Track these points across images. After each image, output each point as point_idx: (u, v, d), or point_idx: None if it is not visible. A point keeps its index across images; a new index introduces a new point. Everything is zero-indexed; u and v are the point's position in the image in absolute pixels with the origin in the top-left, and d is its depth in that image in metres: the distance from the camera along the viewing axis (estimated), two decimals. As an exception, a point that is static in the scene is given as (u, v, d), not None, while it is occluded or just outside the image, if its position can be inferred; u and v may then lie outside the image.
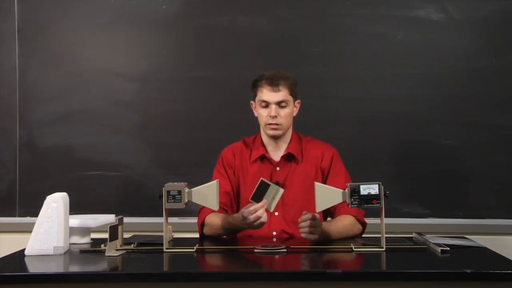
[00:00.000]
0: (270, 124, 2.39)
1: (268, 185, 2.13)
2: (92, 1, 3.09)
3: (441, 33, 3.02)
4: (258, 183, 2.14)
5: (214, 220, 2.35)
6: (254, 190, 2.15)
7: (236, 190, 2.46)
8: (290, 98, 2.39)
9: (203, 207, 2.37)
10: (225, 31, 3.06)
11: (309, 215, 2.16)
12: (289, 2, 3.06)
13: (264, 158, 2.46)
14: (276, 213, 2.40)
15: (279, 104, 2.37)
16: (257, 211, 2.13)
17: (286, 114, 2.39)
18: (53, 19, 3.11)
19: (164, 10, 3.08)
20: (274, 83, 2.36)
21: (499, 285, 1.79)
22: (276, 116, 2.37)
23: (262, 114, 2.41)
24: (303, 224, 2.16)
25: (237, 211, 2.44)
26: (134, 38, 3.10)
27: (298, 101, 2.45)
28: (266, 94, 2.37)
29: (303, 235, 2.16)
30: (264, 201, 2.13)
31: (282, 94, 2.36)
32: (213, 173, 2.50)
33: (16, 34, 3.10)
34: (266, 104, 2.38)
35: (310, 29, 3.05)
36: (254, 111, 2.48)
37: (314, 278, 1.82)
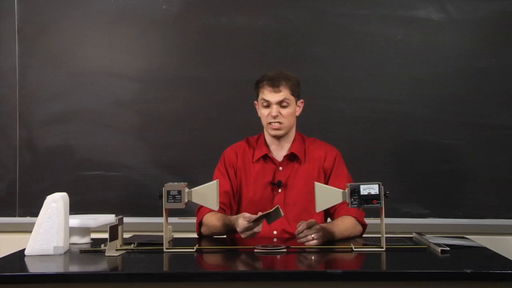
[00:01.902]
0: (271, 123, 2.40)
1: (277, 213, 2.12)
2: (92, 1, 3.09)
3: (441, 33, 3.02)
4: (274, 209, 2.12)
5: (212, 221, 2.36)
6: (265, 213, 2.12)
7: (237, 190, 2.47)
8: (291, 98, 2.40)
9: (201, 206, 2.37)
10: (225, 31, 3.06)
11: (304, 225, 2.15)
12: (289, 2, 3.06)
13: (267, 157, 2.46)
14: (278, 213, 2.41)
15: (280, 103, 2.38)
16: (249, 224, 2.12)
17: (288, 114, 2.39)
18: (53, 19, 3.10)
19: (164, 10, 3.08)
20: (275, 84, 2.38)
21: (499, 285, 1.79)
22: (277, 116, 2.38)
23: (264, 114, 2.42)
24: (300, 235, 2.14)
25: (237, 210, 2.45)
26: (134, 38, 3.10)
27: (301, 101, 2.46)
28: (267, 94, 2.39)
29: (306, 243, 2.14)
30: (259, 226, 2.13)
31: (283, 94, 2.37)
32: (214, 172, 2.50)
33: (16, 34, 3.10)
34: (268, 104, 2.39)
35: (310, 29, 3.05)
36: (258, 111, 2.49)
37: (314, 278, 1.81)
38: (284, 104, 2.38)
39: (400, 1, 3.04)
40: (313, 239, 2.13)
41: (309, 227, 2.15)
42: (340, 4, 3.05)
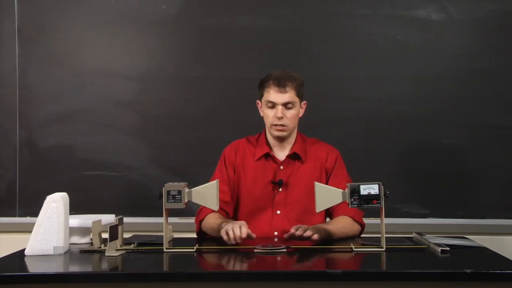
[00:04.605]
0: (276, 125, 2.38)
1: None
2: (92, 1, 3.09)
3: (441, 33, 3.02)
4: None
5: (212, 219, 2.33)
6: None
7: (235, 188, 2.46)
8: (296, 99, 2.37)
9: (203, 207, 2.37)
10: (225, 31, 3.06)
11: (294, 228, 2.13)
12: (289, 2, 3.06)
13: (269, 156, 2.45)
14: (278, 212, 2.40)
15: (285, 105, 2.35)
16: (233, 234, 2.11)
17: (292, 116, 2.37)
18: (53, 19, 3.10)
19: (164, 10, 3.08)
20: (281, 84, 2.34)
21: (499, 285, 1.79)
22: (282, 117, 2.36)
23: (268, 115, 2.39)
24: (298, 232, 2.12)
25: (236, 208, 2.45)
26: (134, 38, 3.10)
27: (304, 102, 2.43)
28: (273, 95, 2.35)
29: (312, 237, 2.12)
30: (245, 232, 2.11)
31: (289, 95, 2.35)
32: (215, 171, 2.49)
33: (16, 34, 3.10)
34: (273, 105, 2.37)
35: (310, 29, 3.05)
36: (260, 110, 2.47)
37: (314, 278, 1.81)
38: (289, 105, 2.36)
39: (400, 1, 3.04)
40: (313, 234, 2.11)
41: (298, 228, 2.14)
42: (340, 4, 3.05)
